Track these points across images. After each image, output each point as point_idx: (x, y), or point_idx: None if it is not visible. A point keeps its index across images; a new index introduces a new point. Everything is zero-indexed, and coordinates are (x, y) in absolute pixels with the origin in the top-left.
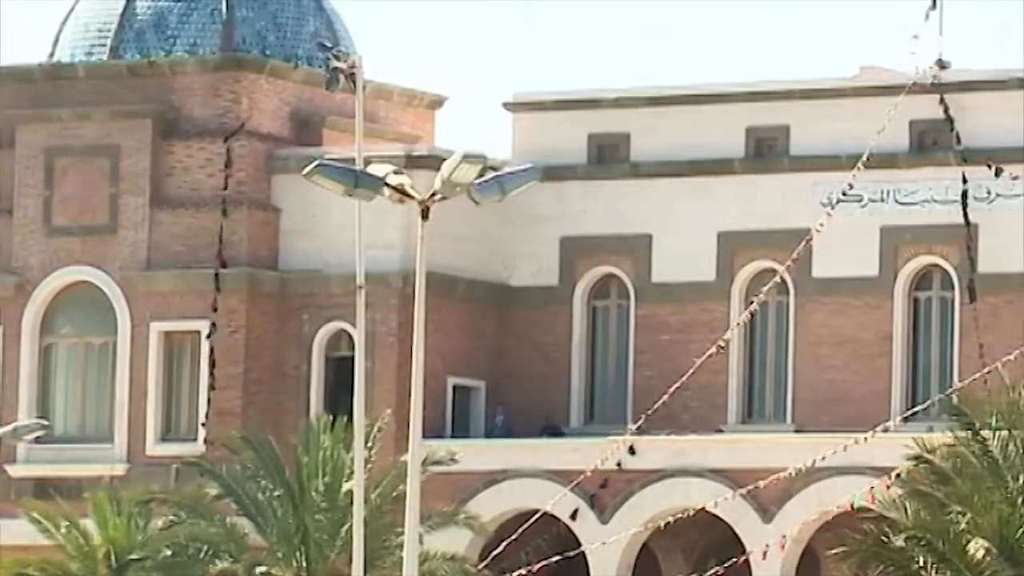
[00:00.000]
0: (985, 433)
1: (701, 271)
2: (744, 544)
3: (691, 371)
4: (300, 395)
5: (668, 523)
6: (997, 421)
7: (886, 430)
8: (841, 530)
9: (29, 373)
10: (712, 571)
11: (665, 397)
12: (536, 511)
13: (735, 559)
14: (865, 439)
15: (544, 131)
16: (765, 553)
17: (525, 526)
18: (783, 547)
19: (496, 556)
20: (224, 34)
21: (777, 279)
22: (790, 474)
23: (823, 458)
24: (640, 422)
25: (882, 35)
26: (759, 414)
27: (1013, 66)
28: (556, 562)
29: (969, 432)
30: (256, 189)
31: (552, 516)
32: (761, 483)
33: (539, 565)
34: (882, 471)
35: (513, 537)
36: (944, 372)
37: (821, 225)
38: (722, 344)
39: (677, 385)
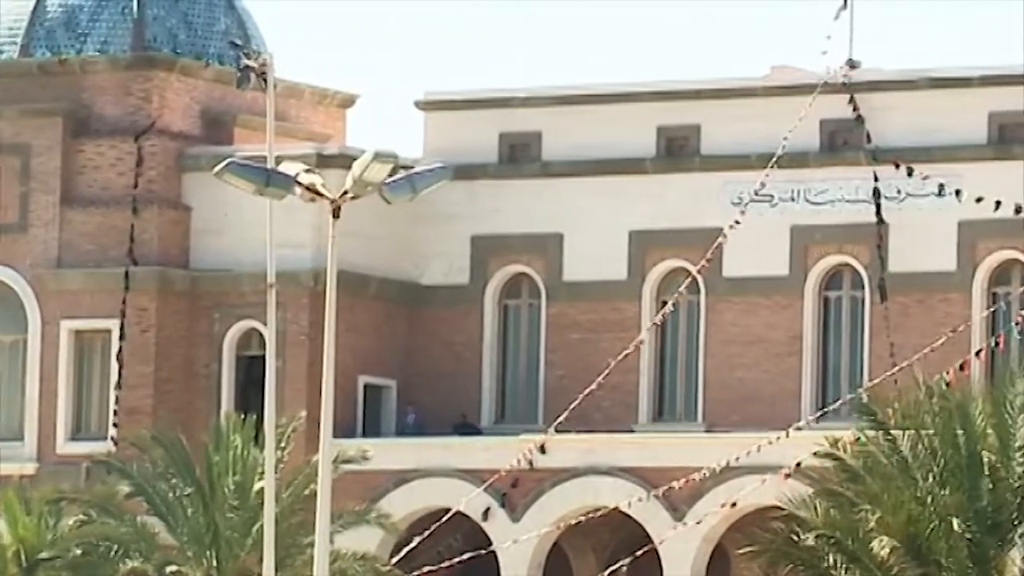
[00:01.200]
0: (894, 432)
1: (612, 270)
2: (655, 542)
3: (606, 371)
4: (211, 394)
5: (579, 522)
6: (907, 420)
7: (798, 429)
8: (751, 529)
9: None
10: (618, 565)
11: (581, 396)
12: (447, 510)
13: (644, 558)
14: (778, 439)
15: (455, 130)
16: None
17: (437, 524)
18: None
19: (407, 555)
20: (135, 32)
21: (689, 280)
22: (704, 474)
23: (737, 459)
24: (556, 422)
25: (793, 35)
26: (670, 413)
27: (923, 66)
28: (467, 561)
29: (879, 431)
30: (167, 188)
31: (463, 515)
32: (676, 484)
33: (449, 564)
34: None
35: (424, 536)
36: (854, 371)
37: (736, 223)
38: (637, 344)
39: (592, 387)
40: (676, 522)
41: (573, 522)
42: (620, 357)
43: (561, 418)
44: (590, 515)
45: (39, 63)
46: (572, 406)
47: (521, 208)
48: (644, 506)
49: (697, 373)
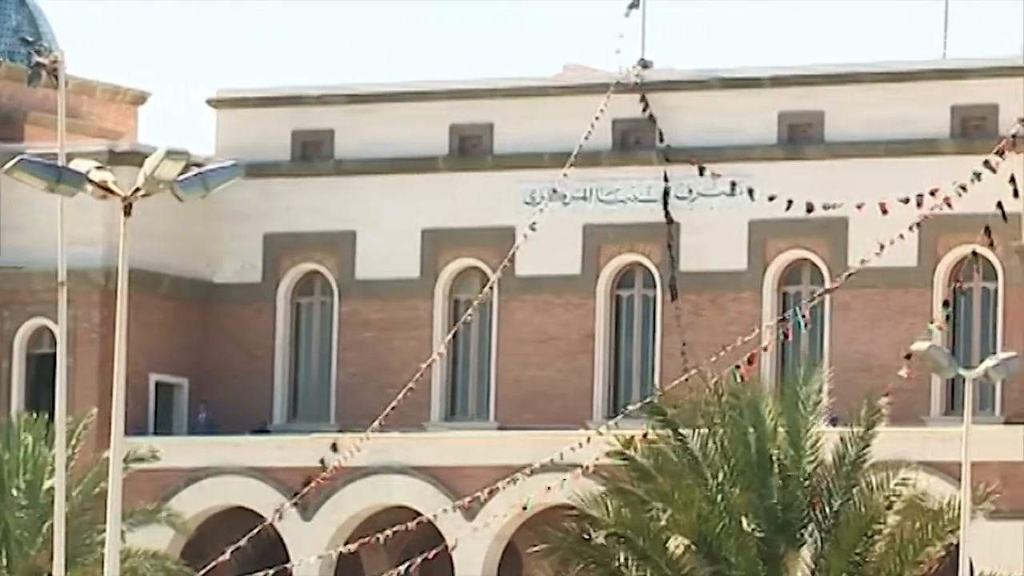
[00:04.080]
0: (685, 431)
1: (405, 268)
2: (446, 540)
3: (418, 373)
4: (1, 392)
5: (371, 520)
6: (698, 419)
7: (597, 431)
8: (543, 527)
9: None
10: (407, 567)
11: (403, 394)
12: (239, 508)
13: (435, 555)
14: (580, 442)
15: (248, 128)
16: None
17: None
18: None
19: (199, 553)
20: None
21: (493, 280)
22: (513, 481)
23: (540, 462)
24: (378, 422)
25: (584, 34)
26: (462, 411)
27: (714, 66)
28: (260, 561)
29: (669, 430)
30: None
31: (256, 513)
32: (483, 494)
33: (242, 564)
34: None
35: (216, 535)
36: (646, 369)
37: (534, 225)
38: (446, 342)
39: (410, 385)
40: (467, 521)
41: (368, 522)
42: (428, 361)
43: (383, 416)
44: (381, 513)
45: None
46: (392, 404)
47: (313, 206)
48: (435, 504)
49: (489, 372)
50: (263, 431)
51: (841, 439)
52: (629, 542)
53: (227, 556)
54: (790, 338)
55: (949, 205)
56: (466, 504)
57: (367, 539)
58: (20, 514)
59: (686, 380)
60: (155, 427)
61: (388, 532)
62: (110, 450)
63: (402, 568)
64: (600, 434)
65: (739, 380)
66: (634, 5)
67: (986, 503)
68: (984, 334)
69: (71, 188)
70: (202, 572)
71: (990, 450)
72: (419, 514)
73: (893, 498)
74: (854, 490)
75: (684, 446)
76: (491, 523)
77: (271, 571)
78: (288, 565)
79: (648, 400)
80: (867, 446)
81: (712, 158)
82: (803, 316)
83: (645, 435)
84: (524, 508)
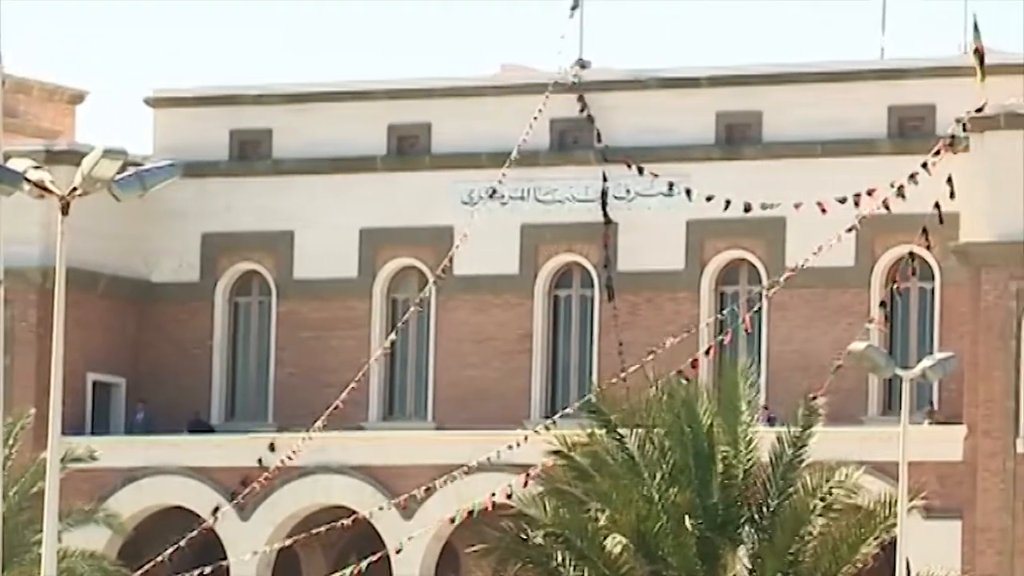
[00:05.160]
0: (623, 431)
1: (343, 268)
2: (384, 541)
3: (360, 372)
4: None
5: (309, 520)
6: (636, 418)
7: (530, 427)
8: (480, 527)
9: None
10: (352, 568)
11: (345, 393)
12: (177, 508)
13: (375, 557)
14: (517, 442)
15: (185, 127)
16: (399, 550)
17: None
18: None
19: (136, 553)
20: None
21: (432, 281)
22: (451, 479)
23: (475, 463)
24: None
25: (522, 34)
26: (400, 411)
27: (652, 66)
28: (197, 561)
29: (607, 430)
30: None
31: (193, 513)
32: (418, 492)
33: (179, 564)
34: (522, 468)
35: (154, 535)
36: (583, 369)
37: (466, 230)
38: (390, 341)
39: (353, 384)
40: (406, 521)
41: (307, 523)
42: (372, 359)
43: (326, 415)
44: (318, 513)
45: None
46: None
47: (252, 206)
48: (373, 504)
49: (427, 371)
50: (204, 430)
51: (778, 439)
52: (567, 542)
53: (164, 557)
54: (729, 340)
55: (887, 208)
56: (402, 503)
57: (303, 535)
58: None
59: (623, 380)
60: (92, 427)
61: (323, 528)
62: (47, 450)
63: (347, 572)
64: (537, 433)
65: (682, 383)
66: (575, 6)
67: (920, 501)
68: (921, 334)
69: (8, 187)
70: (138, 572)
71: (927, 450)
72: (360, 517)
73: (828, 497)
74: (790, 489)
75: (622, 446)
76: (429, 523)
77: (207, 568)
78: (224, 562)
79: (586, 399)
80: (803, 446)
81: (650, 158)
82: (743, 321)
83: (591, 434)
84: (471, 513)
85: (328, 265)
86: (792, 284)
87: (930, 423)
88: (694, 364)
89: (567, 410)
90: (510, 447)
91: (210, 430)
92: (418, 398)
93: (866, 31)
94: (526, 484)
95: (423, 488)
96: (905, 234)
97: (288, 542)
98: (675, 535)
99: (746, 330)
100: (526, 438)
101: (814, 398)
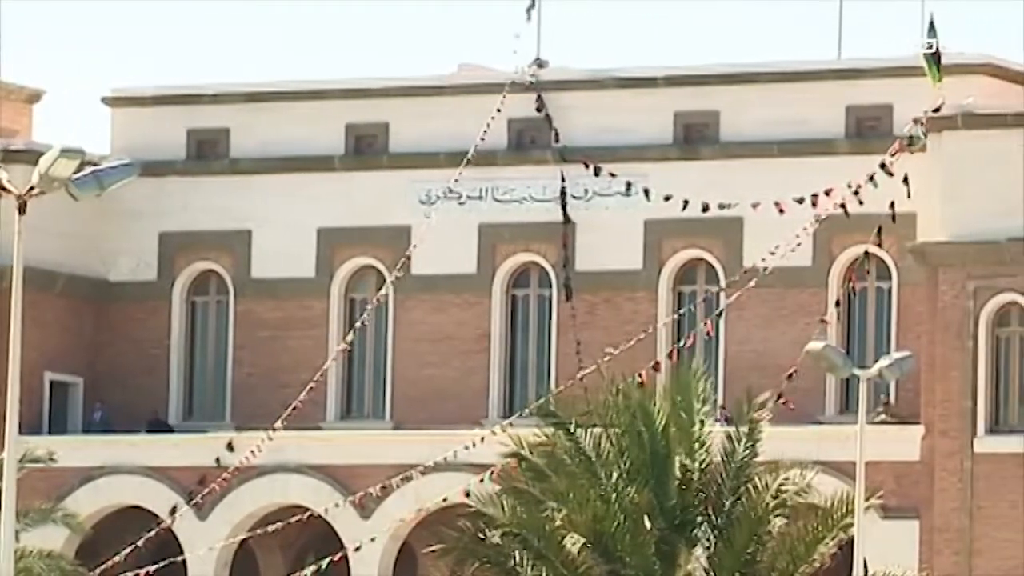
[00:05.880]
0: (577, 431)
1: (301, 267)
2: (343, 541)
3: (319, 373)
4: None
5: (267, 520)
6: (593, 418)
7: (488, 427)
8: (438, 527)
9: None
10: (311, 568)
11: (304, 393)
12: (134, 508)
13: (333, 556)
14: (474, 442)
15: (143, 126)
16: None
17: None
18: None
19: (94, 553)
20: None
21: (390, 279)
22: (407, 476)
23: (432, 463)
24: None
25: (480, 34)
26: (358, 411)
27: (610, 65)
28: (155, 560)
29: (563, 430)
30: None
31: (151, 513)
32: (373, 491)
33: (137, 563)
34: (480, 468)
35: (111, 534)
36: (542, 369)
37: (425, 223)
38: (346, 347)
39: (311, 384)
40: (363, 520)
41: (264, 522)
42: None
43: (288, 413)
44: (275, 512)
45: None
46: (291, 405)
47: (209, 205)
48: (332, 504)
49: (385, 371)
50: (163, 429)
51: (728, 437)
52: (525, 541)
53: (121, 558)
54: (688, 344)
55: (845, 211)
56: (357, 500)
57: (258, 531)
58: None
59: (581, 380)
60: (50, 426)
61: (278, 524)
62: (5, 450)
63: (307, 572)
64: (494, 433)
65: (640, 386)
66: (532, 6)
67: (877, 500)
68: (878, 334)
69: None
70: (95, 572)
71: (885, 449)
72: (315, 514)
73: (783, 496)
74: (743, 489)
75: (577, 446)
76: (387, 522)
77: (163, 562)
78: (180, 558)
79: (542, 401)
80: (754, 444)
81: (608, 158)
82: (704, 325)
83: (555, 437)
84: (437, 511)
85: (286, 265)
86: (749, 284)
87: (885, 415)
88: (656, 367)
89: (523, 408)
90: (467, 447)
91: (169, 430)
92: (376, 398)
93: (823, 31)
94: (483, 481)
95: (379, 486)
96: (862, 234)
97: (242, 536)
98: (632, 535)
99: (708, 334)
100: (483, 439)
101: (783, 401)
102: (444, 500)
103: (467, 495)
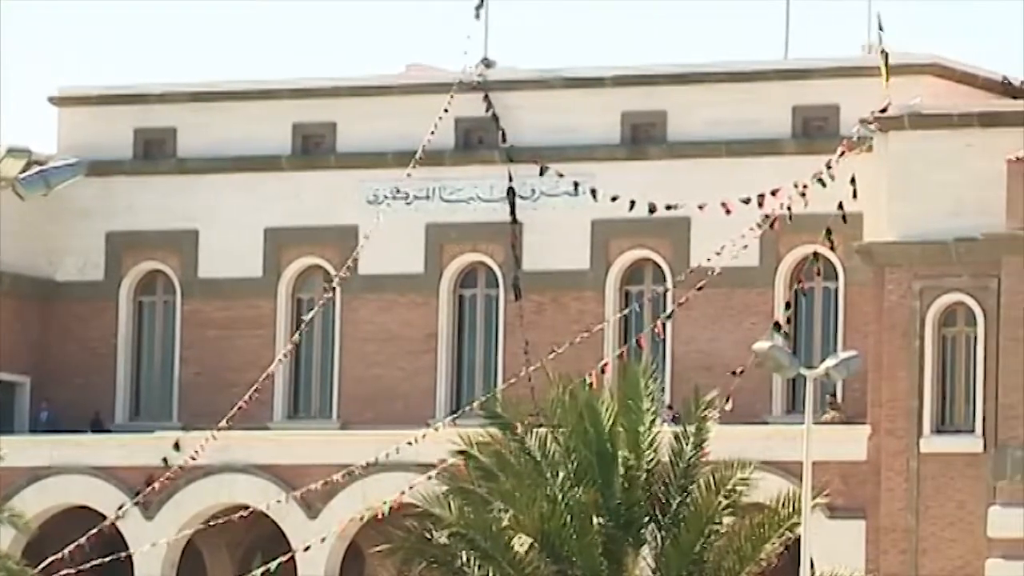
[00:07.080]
0: (522, 432)
1: (248, 267)
2: (290, 540)
3: (264, 374)
4: None
5: (213, 519)
6: (538, 419)
7: (434, 427)
8: (385, 527)
9: None
10: (260, 569)
11: (250, 393)
12: (81, 508)
13: (281, 556)
14: (416, 439)
15: (90, 125)
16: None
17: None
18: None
19: (41, 553)
20: None
21: (336, 278)
22: (350, 474)
23: (375, 459)
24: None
25: (428, 34)
26: (305, 410)
27: (557, 65)
28: (101, 559)
29: (509, 431)
30: None
31: (97, 512)
32: (315, 486)
33: (83, 562)
34: (427, 467)
35: (58, 534)
36: (489, 368)
37: (373, 223)
38: (292, 346)
39: (257, 385)
40: (310, 520)
41: (209, 521)
42: (279, 358)
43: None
44: (223, 513)
45: None
46: (237, 404)
47: (156, 205)
48: (279, 504)
49: (332, 370)
50: (102, 431)
51: (675, 437)
52: (472, 541)
53: (64, 555)
54: (643, 347)
55: (790, 213)
56: (300, 496)
57: (202, 526)
58: None
59: (528, 379)
60: None
61: (220, 520)
62: None
63: (256, 572)
64: (436, 431)
65: (589, 388)
66: (480, 6)
67: (824, 500)
68: (825, 334)
69: None
70: (38, 569)
71: (831, 449)
72: (262, 514)
73: (730, 495)
74: (690, 488)
75: (522, 446)
76: (334, 522)
77: (108, 557)
78: (124, 554)
79: (486, 399)
80: (702, 442)
81: (555, 158)
82: (654, 327)
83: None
84: (382, 517)
85: (233, 264)
86: (696, 284)
87: (832, 412)
88: (604, 369)
89: (467, 408)
90: (409, 443)
91: (106, 431)
92: (323, 397)
93: (770, 32)
94: (430, 479)
95: (321, 483)
96: (809, 234)
97: (188, 532)
98: (579, 535)
99: (658, 335)
100: (424, 436)
101: (729, 398)
102: (385, 503)
103: (402, 494)
